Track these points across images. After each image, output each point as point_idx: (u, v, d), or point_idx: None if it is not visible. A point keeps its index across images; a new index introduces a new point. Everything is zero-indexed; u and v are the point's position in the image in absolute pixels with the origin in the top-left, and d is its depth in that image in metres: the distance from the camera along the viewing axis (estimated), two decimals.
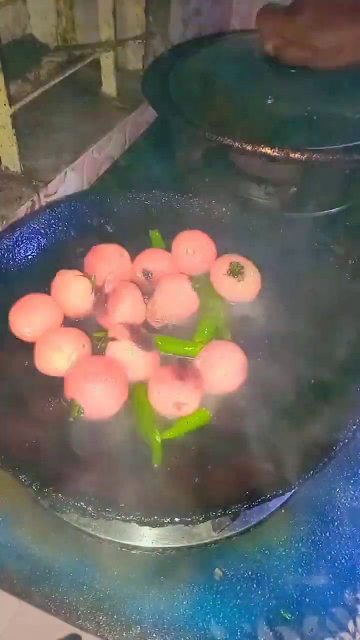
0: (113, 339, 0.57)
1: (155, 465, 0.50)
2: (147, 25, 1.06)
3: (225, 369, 0.56)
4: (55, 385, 0.55)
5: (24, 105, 0.78)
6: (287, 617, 0.50)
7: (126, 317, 0.59)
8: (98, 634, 0.50)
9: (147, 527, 0.45)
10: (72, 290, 0.62)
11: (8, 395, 0.54)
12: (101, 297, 0.61)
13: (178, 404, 0.53)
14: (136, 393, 0.55)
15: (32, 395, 0.55)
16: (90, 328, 0.60)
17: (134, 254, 0.67)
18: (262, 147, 0.74)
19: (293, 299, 0.64)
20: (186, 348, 0.60)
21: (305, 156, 0.73)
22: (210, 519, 0.44)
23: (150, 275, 0.66)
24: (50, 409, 0.55)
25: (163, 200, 0.75)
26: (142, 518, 0.44)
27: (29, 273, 0.66)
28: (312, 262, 0.66)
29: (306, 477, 0.46)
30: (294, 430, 0.52)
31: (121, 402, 0.54)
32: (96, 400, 0.52)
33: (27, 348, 0.57)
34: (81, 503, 0.44)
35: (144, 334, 0.57)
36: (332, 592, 0.52)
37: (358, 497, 0.59)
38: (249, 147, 0.75)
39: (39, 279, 0.64)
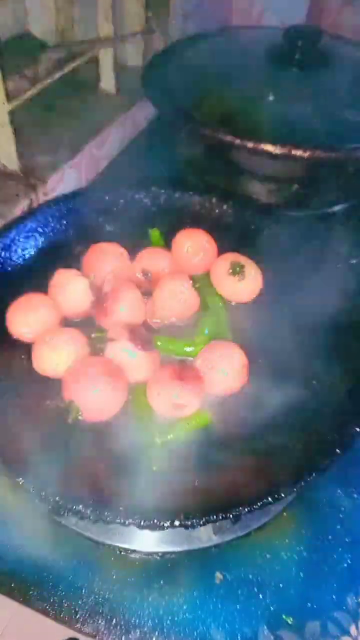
0: (112, 340, 0.57)
1: (155, 468, 0.49)
2: (147, 21, 1.05)
3: (225, 370, 0.55)
4: (53, 386, 0.55)
5: (22, 103, 0.77)
6: (289, 621, 0.50)
7: (125, 317, 0.59)
8: (97, 637, 0.50)
9: (146, 531, 0.44)
10: (71, 290, 0.61)
11: (6, 396, 0.53)
12: (100, 297, 0.60)
13: (178, 405, 0.52)
14: (136, 394, 0.55)
15: (30, 396, 0.55)
16: (89, 328, 0.60)
17: (133, 253, 0.67)
18: (264, 144, 0.73)
19: (294, 299, 0.63)
20: (186, 348, 0.59)
21: (307, 154, 0.72)
22: (210, 522, 0.44)
23: (149, 274, 0.65)
24: (49, 410, 0.54)
25: (163, 199, 0.74)
26: (142, 522, 0.43)
27: (27, 272, 0.65)
28: (314, 261, 0.66)
29: (308, 479, 0.46)
30: (296, 432, 0.51)
31: (120, 404, 0.53)
32: (95, 401, 0.52)
33: (25, 348, 0.57)
34: (80, 506, 0.44)
35: (143, 334, 0.57)
36: (334, 596, 0.52)
37: None
38: (250, 144, 0.74)
39: (37, 279, 0.63)
